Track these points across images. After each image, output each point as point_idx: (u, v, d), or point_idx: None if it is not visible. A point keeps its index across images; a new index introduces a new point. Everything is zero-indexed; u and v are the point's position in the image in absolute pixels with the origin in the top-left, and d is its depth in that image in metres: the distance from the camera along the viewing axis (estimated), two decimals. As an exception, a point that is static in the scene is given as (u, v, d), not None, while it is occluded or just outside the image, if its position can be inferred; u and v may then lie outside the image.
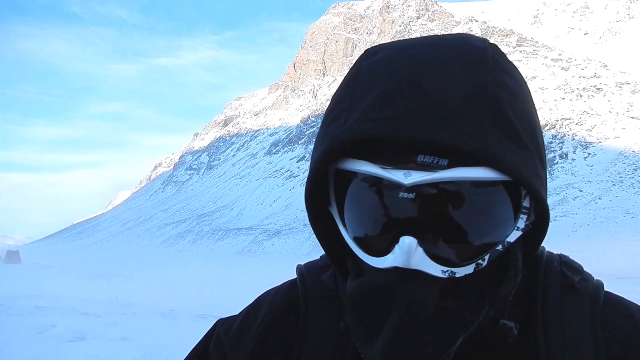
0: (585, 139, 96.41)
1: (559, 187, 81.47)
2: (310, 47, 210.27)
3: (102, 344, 8.14)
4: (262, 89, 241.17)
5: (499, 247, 0.51)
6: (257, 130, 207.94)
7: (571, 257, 0.66)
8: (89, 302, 13.91)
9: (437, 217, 0.49)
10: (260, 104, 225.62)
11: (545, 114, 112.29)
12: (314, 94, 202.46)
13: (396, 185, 0.49)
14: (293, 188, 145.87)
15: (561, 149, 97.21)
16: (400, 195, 0.49)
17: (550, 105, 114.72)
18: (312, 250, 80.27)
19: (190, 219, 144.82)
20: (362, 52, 0.54)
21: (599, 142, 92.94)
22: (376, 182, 0.50)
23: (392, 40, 0.55)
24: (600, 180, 79.04)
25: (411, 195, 0.48)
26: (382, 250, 0.50)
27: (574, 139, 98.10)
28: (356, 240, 0.54)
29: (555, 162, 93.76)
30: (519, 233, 0.52)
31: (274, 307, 0.68)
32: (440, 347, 0.50)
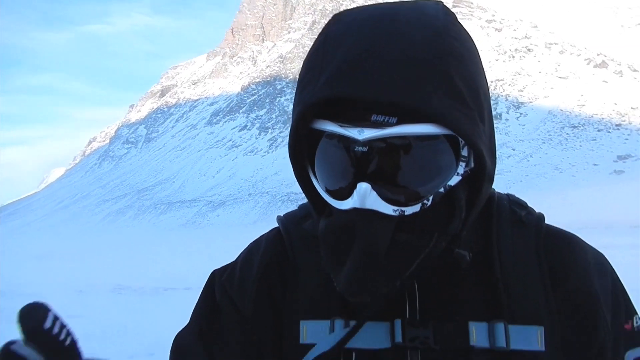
0: (517, 99, 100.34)
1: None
2: (248, 11, 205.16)
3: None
4: (200, 56, 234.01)
5: (441, 190, 0.60)
6: (196, 100, 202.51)
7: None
8: (33, 284, 13.43)
9: (387, 166, 0.59)
10: (198, 72, 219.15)
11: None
12: (254, 61, 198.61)
13: (353, 141, 0.59)
14: (236, 158, 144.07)
15: (495, 109, 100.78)
16: (356, 149, 0.59)
17: (485, 67, 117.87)
18: (258, 219, 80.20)
19: (130, 194, 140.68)
20: (318, 16, 0.66)
21: (530, 102, 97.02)
22: (338, 139, 0.60)
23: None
24: (531, 138, 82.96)
25: (365, 149, 0.58)
26: (344, 195, 0.60)
27: (507, 100, 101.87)
28: (326, 188, 0.64)
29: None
30: (459, 178, 0.61)
31: (265, 256, 0.77)
32: (395, 272, 0.60)
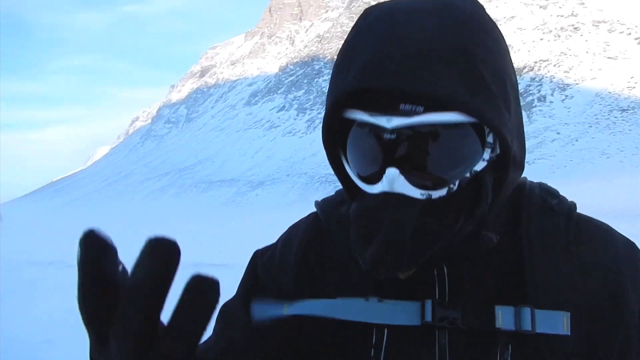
0: (562, 80, 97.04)
1: (537, 130, 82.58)
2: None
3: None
4: (238, 36, 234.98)
5: (467, 175, 0.63)
6: (235, 81, 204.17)
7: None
8: (73, 255, 14.09)
9: (414, 153, 0.62)
10: (236, 53, 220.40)
11: (523, 56, 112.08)
12: (292, 41, 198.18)
13: (382, 129, 0.62)
14: (274, 139, 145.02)
15: (539, 91, 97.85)
16: (385, 137, 0.62)
17: (529, 47, 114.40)
18: (296, 199, 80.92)
19: (172, 172, 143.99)
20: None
21: (576, 83, 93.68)
22: (368, 127, 0.64)
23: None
24: (577, 122, 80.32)
25: (393, 137, 0.62)
26: (374, 180, 0.64)
27: (551, 81, 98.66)
28: (357, 174, 0.68)
29: (533, 105, 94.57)
30: (484, 163, 0.64)
31: (304, 238, 0.82)
32: (419, 253, 0.63)
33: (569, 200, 0.77)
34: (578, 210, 0.76)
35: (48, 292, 8.43)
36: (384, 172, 0.62)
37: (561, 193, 0.76)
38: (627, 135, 70.52)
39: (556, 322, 0.66)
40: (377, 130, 0.63)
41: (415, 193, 0.62)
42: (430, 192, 0.63)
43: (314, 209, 0.85)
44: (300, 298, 0.75)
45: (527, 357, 0.66)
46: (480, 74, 0.61)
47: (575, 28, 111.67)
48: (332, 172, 0.71)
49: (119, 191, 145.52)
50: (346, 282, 0.75)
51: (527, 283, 0.69)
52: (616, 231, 0.77)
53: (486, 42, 0.63)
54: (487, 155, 0.64)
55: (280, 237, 0.87)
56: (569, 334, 0.66)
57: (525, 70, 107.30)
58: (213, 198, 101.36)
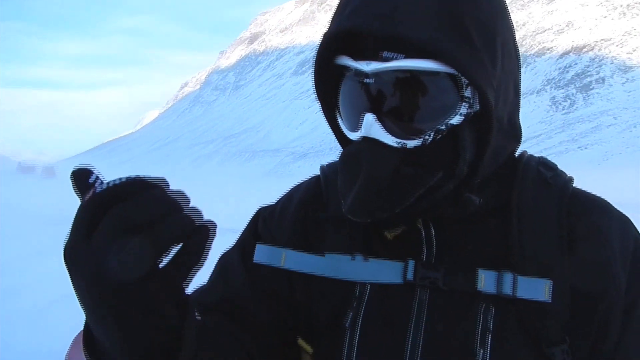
0: (625, 62, 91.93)
1: (593, 114, 78.96)
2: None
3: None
4: (289, 2, 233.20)
5: (442, 127, 0.64)
6: (284, 49, 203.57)
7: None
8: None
9: (391, 99, 0.65)
10: (286, 20, 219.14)
11: (584, 34, 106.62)
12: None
13: (363, 73, 0.65)
14: (320, 111, 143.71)
15: (598, 73, 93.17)
16: (365, 81, 0.65)
17: (590, 25, 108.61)
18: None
19: (218, 139, 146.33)
20: None
21: (639, 66, 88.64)
22: (353, 73, 0.67)
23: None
24: (637, 107, 76.24)
25: (371, 81, 0.64)
26: (356, 126, 0.67)
27: (612, 63, 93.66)
28: (344, 120, 0.72)
29: (591, 87, 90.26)
30: (461, 118, 0.65)
31: (303, 196, 0.86)
32: (396, 200, 0.66)
33: (567, 175, 0.77)
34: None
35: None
36: (363, 118, 0.65)
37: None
38: (692, 123, 66.51)
39: (537, 289, 0.68)
40: (359, 75, 0.65)
41: (391, 140, 0.64)
42: (405, 141, 0.64)
43: None
44: (291, 247, 0.78)
45: (509, 320, 0.68)
46: (464, 26, 0.62)
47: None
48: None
49: (166, 155, 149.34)
50: (338, 241, 0.77)
51: (512, 250, 0.70)
52: (612, 206, 0.77)
53: (477, 0, 0.64)
54: (464, 109, 0.65)
55: (282, 195, 0.90)
56: (550, 301, 0.67)
57: (585, 49, 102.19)
58: (256, 167, 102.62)
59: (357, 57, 0.66)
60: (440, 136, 0.65)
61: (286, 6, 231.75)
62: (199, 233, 0.47)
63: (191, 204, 0.47)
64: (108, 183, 0.44)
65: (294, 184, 0.92)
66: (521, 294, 0.68)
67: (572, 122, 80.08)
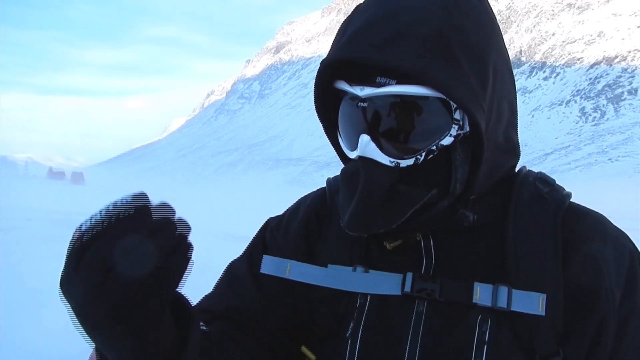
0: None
1: (624, 125, 77.12)
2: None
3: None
4: (315, 12, 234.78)
5: (433, 147, 0.68)
6: (309, 58, 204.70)
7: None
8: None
9: (384, 122, 0.68)
10: (312, 30, 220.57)
11: (616, 44, 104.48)
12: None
13: (357, 97, 0.69)
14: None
15: (631, 84, 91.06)
16: (359, 105, 0.69)
17: (623, 35, 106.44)
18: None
19: (242, 148, 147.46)
20: None
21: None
22: (350, 97, 0.71)
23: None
24: (671, 118, 74.11)
25: (365, 104, 0.68)
26: (354, 146, 0.71)
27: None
28: (343, 139, 0.76)
29: (623, 98, 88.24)
30: (452, 139, 0.68)
31: (309, 208, 0.89)
32: (391, 216, 0.69)
33: (566, 190, 0.80)
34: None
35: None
36: (359, 139, 0.69)
37: None
38: None
39: (532, 303, 0.70)
40: (354, 99, 0.69)
41: (385, 160, 0.68)
42: (399, 161, 0.68)
43: None
44: (296, 258, 0.83)
45: (504, 332, 0.70)
46: (452, 53, 0.65)
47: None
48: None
49: (191, 162, 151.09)
50: (340, 252, 0.81)
51: (508, 264, 0.72)
52: (609, 222, 0.78)
53: (467, 26, 0.67)
54: (454, 131, 0.68)
55: (290, 207, 0.94)
56: (544, 314, 0.69)
57: (617, 59, 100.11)
58: (280, 176, 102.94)
59: (353, 82, 0.69)
60: (432, 156, 0.68)
61: (312, 16, 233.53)
62: (178, 254, 0.53)
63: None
64: (91, 218, 0.50)
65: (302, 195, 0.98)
66: (516, 307, 0.70)
67: (603, 133, 78.19)
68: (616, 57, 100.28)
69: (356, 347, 0.75)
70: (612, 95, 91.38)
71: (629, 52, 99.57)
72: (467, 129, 0.69)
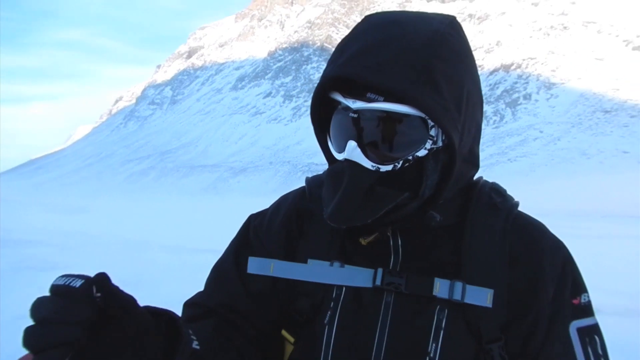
0: (549, 79, 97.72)
1: (520, 128, 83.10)
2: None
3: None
4: (228, 17, 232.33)
5: (410, 157, 0.79)
6: (222, 63, 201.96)
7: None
8: (58, 234, 13.77)
9: (370, 132, 0.80)
10: (225, 35, 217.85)
11: (512, 52, 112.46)
12: (282, 25, 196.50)
13: (349, 109, 0.80)
14: (259, 125, 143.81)
15: (525, 89, 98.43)
16: (350, 115, 0.80)
17: (518, 44, 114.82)
18: (278, 187, 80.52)
19: (154, 155, 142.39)
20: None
21: (562, 83, 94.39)
22: (343, 107, 0.82)
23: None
24: (560, 121, 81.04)
25: (355, 115, 0.80)
26: (342, 149, 0.82)
27: (538, 80, 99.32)
28: (333, 143, 0.86)
29: (519, 102, 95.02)
30: (425, 152, 0.80)
31: (290, 206, 0.98)
32: (368, 212, 0.80)
33: (514, 200, 0.93)
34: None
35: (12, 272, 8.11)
36: (347, 144, 0.80)
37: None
38: (609, 136, 71.45)
39: (482, 296, 0.83)
40: (347, 109, 0.80)
41: (368, 164, 0.79)
42: (379, 166, 0.79)
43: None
44: (280, 258, 0.92)
45: (457, 320, 0.83)
46: (435, 80, 0.76)
47: (564, 27, 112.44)
48: (316, 162, 1.15)
49: (99, 172, 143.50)
50: (319, 247, 0.91)
51: (464, 262, 0.85)
52: (548, 230, 0.92)
53: (449, 57, 0.79)
54: (428, 145, 0.79)
55: (272, 204, 1.03)
56: (491, 306, 0.83)
57: (513, 67, 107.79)
58: (194, 183, 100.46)
59: (347, 94, 0.80)
60: (408, 164, 0.80)
61: (225, 21, 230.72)
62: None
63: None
64: (36, 301, 0.57)
65: (281, 194, 1.05)
66: (468, 299, 0.82)
67: (502, 135, 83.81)
68: (512, 64, 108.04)
69: (332, 333, 0.86)
70: (510, 100, 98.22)
71: (523, 60, 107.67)
72: (440, 143, 0.80)
